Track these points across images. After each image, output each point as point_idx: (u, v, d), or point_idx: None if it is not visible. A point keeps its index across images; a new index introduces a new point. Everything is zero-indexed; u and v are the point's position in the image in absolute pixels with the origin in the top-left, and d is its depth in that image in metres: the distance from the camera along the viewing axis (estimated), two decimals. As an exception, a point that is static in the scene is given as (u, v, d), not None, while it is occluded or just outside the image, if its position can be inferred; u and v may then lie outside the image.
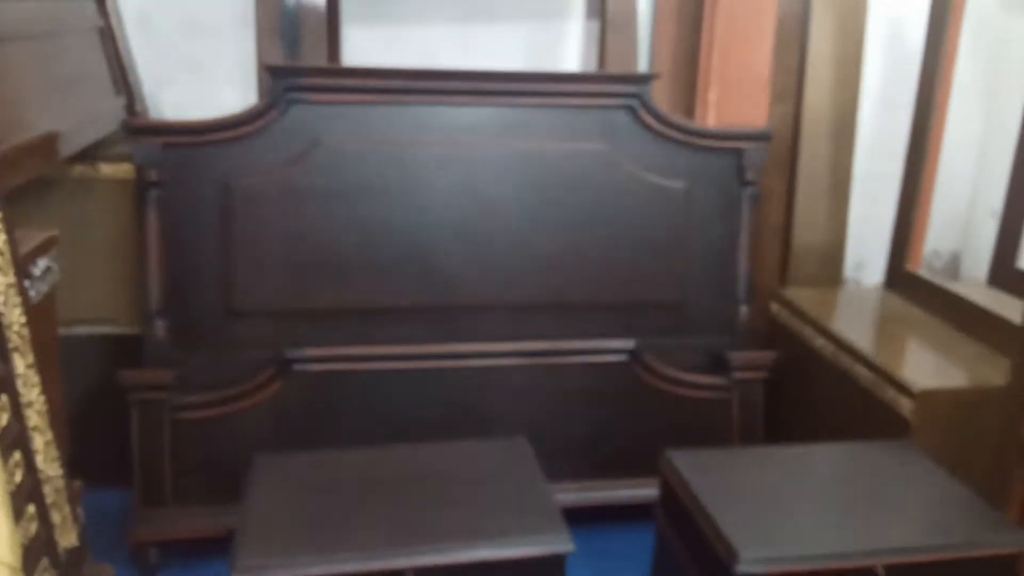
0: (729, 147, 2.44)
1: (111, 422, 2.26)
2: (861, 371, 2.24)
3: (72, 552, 1.51)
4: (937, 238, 2.79)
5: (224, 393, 2.23)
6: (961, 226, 2.80)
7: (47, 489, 1.46)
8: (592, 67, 2.99)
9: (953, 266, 2.84)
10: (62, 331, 2.00)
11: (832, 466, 1.89)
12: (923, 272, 2.70)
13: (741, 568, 1.51)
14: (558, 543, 1.60)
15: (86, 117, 2.23)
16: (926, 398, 2.04)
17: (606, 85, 2.37)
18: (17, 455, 1.36)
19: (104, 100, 2.44)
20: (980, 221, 2.75)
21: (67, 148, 2.06)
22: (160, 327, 2.24)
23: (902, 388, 2.08)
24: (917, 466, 1.86)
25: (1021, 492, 1.95)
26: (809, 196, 2.78)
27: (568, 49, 3.02)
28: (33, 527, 1.38)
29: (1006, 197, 2.56)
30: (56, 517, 1.48)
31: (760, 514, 1.66)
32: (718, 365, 2.47)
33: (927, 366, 2.24)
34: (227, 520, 2.01)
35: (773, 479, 1.79)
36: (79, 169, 2.34)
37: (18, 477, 1.34)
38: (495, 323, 2.40)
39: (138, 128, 2.19)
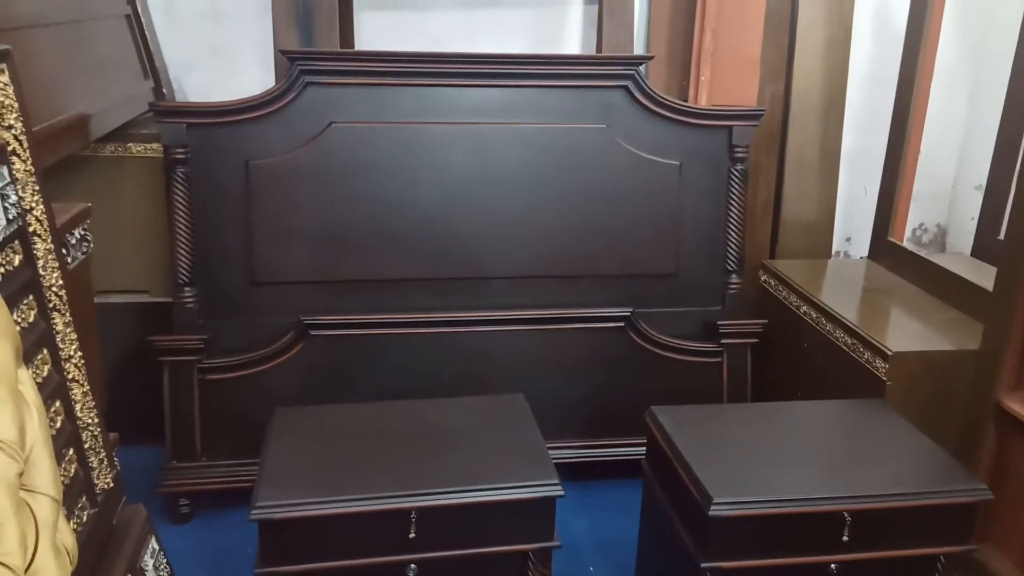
0: (720, 125, 2.55)
1: (145, 384, 2.44)
2: (841, 335, 2.36)
3: (108, 493, 1.64)
4: (924, 212, 2.88)
5: (248, 356, 2.40)
6: (947, 201, 2.89)
7: (85, 435, 1.58)
8: (592, 51, 3.11)
9: (939, 239, 2.93)
10: (99, 300, 2.16)
11: (807, 422, 2.00)
12: (906, 243, 2.80)
13: (714, 511, 1.63)
14: (549, 488, 1.72)
15: (116, 100, 2.38)
16: (900, 360, 2.16)
17: (602, 67, 2.48)
18: (57, 404, 1.48)
19: (133, 83, 2.60)
20: (965, 196, 2.84)
21: (99, 129, 2.21)
22: (189, 296, 2.40)
23: (878, 351, 2.20)
24: (889, 423, 1.96)
25: (991, 450, 2.06)
26: (798, 172, 2.88)
27: (570, 33, 3.13)
28: (72, 468, 1.50)
29: (990, 172, 2.66)
30: (93, 461, 1.60)
31: (735, 464, 1.77)
32: (709, 332, 2.60)
33: (903, 331, 2.35)
34: (251, 472, 2.16)
35: (750, 433, 1.91)
36: (111, 148, 2.50)
37: (58, 423, 1.47)
38: (500, 292, 2.55)
39: (164, 110, 2.33)
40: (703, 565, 1.67)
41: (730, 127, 2.55)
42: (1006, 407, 1.98)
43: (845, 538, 1.68)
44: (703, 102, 2.89)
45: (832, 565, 1.71)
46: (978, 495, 1.73)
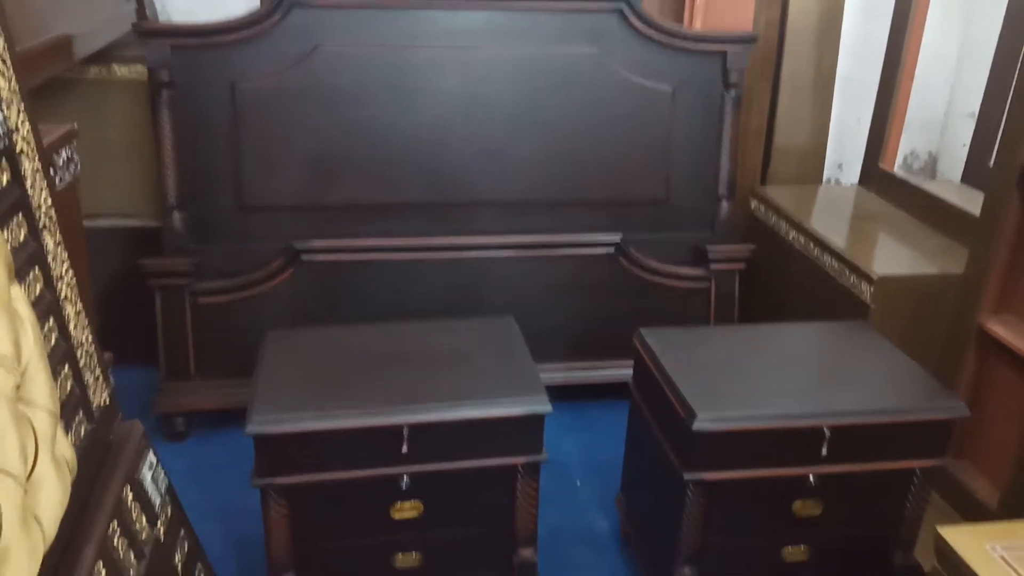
0: (713, 50, 2.52)
1: (135, 307, 2.46)
2: (828, 260, 2.39)
3: (104, 409, 1.66)
4: (916, 140, 2.88)
5: (239, 280, 2.42)
6: (939, 128, 2.88)
7: (79, 353, 1.59)
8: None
9: (930, 166, 2.94)
10: (87, 223, 2.15)
11: (791, 343, 2.03)
12: (896, 170, 2.80)
13: (697, 425, 1.67)
14: (537, 404, 1.76)
15: (100, 20, 2.33)
16: (884, 283, 2.18)
17: (595, -12, 2.44)
18: (51, 321, 1.49)
19: (116, 4, 2.54)
20: (957, 123, 2.83)
21: (82, 50, 2.17)
22: (177, 220, 2.40)
23: (863, 274, 2.22)
24: (872, 344, 1.99)
25: (970, 371, 2.10)
26: (791, 99, 2.86)
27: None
28: (68, 385, 1.52)
29: (983, 99, 2.64)
30: (88, 378, 1.62)
31: (719, 382, 1.80)
32: (698, 257, 2.62)
33: (890, 256, 2.37)
34: (245, 393, 2.19)
35: (735, 353, 1.94)
36: (95, 70, 2.47)
37: (52, 341, 1.48)
38: (490, 217, 2.55)
39: (148, 30, 2.30)
40: (686, 477, 1.72)
41: (724, 52, 2.52)
42: (987, 329, 2.02)
43: (824, 452, 1.72)
44: (698, 27, 2.85)
45: (810, 477, 1.75)
46: (955, 412, 1.76)
